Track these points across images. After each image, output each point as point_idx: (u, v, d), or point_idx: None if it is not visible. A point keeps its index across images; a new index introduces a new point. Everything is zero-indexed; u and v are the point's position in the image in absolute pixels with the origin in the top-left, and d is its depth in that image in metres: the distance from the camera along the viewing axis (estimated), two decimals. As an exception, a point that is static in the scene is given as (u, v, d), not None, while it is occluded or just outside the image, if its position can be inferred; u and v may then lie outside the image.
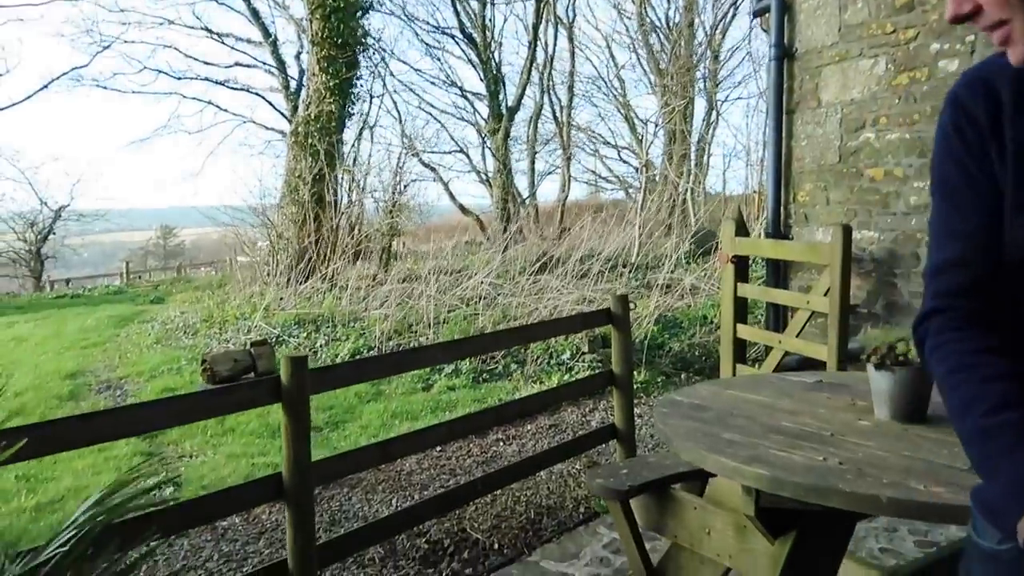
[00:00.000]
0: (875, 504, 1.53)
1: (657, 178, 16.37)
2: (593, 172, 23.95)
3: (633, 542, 2.77)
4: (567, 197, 20.03)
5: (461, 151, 21.49)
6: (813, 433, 1.97)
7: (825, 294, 4.37)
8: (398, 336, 7.63)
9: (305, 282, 10.27)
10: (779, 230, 5.10)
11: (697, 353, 7.01)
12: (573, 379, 6.03)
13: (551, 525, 3.75)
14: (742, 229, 4.99)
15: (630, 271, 9.71)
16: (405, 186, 12.49)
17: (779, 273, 5.14)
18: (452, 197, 20.16)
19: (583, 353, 6.55)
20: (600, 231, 11.31)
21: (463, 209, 20.06)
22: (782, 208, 5.08)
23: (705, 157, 19.18)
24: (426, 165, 19.49)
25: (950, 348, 1.11)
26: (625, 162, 23.09)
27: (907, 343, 2.06)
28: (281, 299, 9.62)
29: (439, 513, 3.39)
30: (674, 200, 13.85)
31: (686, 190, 14.71)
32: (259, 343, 6.57)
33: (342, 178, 12.16)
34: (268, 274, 10.96)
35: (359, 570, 3.34)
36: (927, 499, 1.51)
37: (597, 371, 6.21)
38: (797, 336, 4.65)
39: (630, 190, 20.95)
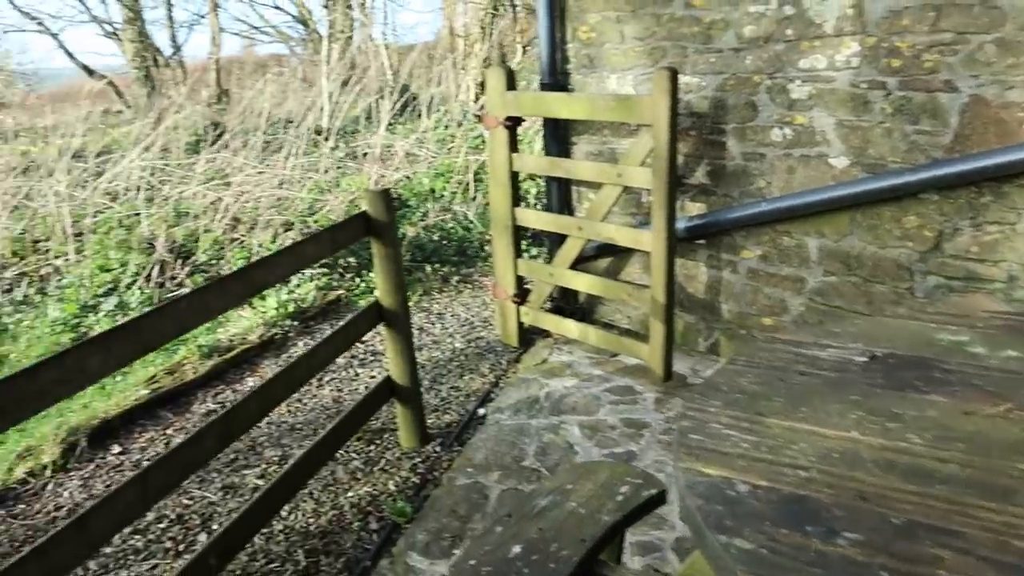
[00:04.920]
0: None
1: (326, 27, 14.12)
2: (245, 22, 20.70)
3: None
4: (220, 52, 16.85)
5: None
6: None
7: (643, 163, 3.30)
8: (18, 261, 5.26)
9: None
10: (556, 79, 3.87)
11: (437, 237, 5.75)
12: (291, 299, 4.44)
13: (336, 568, 2.37)
14: (512, 81, 3.68)
15: (325, 138, 7.94)
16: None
17: (559, 138, 3.96)
18: (70, 55, 15.87)
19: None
20: (274, 92, 9.18)
21: (87, 70, 15.95)
22: (558, 50, 3.83)
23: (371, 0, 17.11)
24: (23, 12, 14.93)
25: None
26: (280, 9, 20.23)
27: None
28: None
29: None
30: (353, 53, 11.92)
31: (367, 39, 12.81)
32: None
33: None
34: None
35: None
36: None
37: (330, 288, 4.70)
38: (603, 219, 3.58)
39: (291, 43, 18.27)
